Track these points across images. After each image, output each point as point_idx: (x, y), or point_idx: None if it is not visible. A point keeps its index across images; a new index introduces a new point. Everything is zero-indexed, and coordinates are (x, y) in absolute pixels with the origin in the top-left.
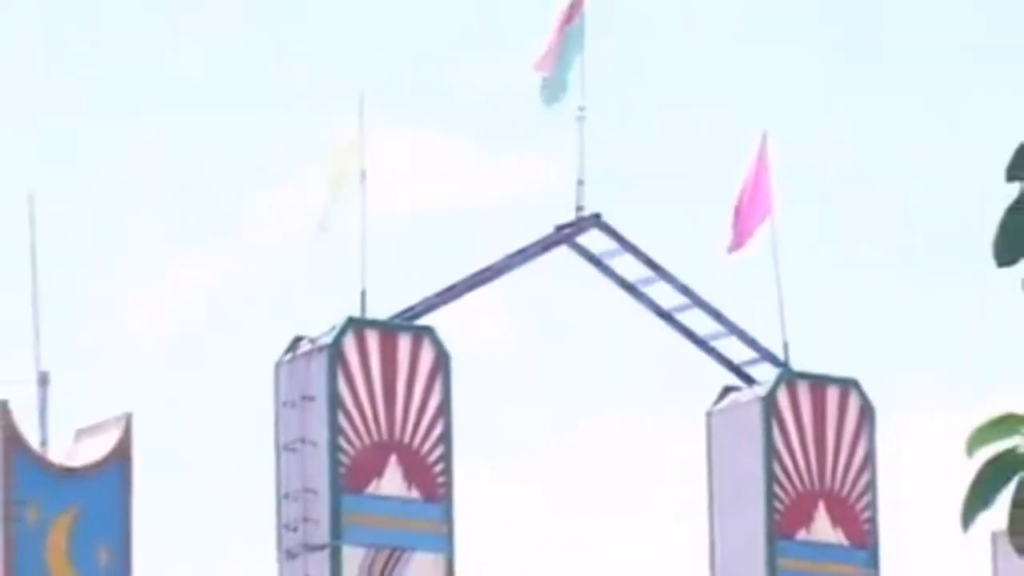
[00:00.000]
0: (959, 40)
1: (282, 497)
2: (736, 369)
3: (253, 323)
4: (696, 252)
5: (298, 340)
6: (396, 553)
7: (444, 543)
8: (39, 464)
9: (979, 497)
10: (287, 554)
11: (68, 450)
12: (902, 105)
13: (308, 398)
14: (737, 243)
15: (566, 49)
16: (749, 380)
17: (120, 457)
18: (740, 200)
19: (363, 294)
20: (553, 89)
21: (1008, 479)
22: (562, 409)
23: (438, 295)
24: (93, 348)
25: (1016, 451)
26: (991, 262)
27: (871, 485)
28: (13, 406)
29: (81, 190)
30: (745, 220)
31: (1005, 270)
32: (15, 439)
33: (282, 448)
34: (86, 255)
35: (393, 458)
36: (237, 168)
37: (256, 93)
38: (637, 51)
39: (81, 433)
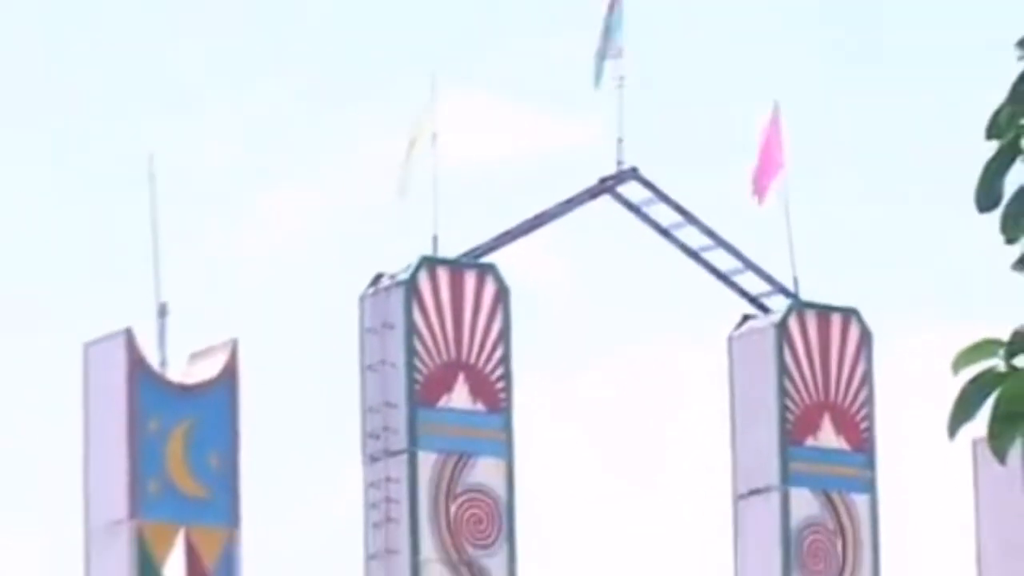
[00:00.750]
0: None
1: (366, 410)
2: (753, 300)
3: (341, 261)
4: (719, 200)
5: (379, 276)
6: (463, 458)
7: (504, 449)
8: (159, 383)
9: (963, 410)
10: (370, 458)
11: (184, 370)
12: (896, 80)
13: (388, 326)
14: (760, 196)
15: (615, 20)
16: (764, 309)
17: (228, 376)
18: (758, 161)
19: (435, 237)
20: (599, 69)
21: (987, 395)
22: (604, 334)
23: (499, 237)
24: (204, 283)
25: (994, 371)
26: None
27: (868, 399)
28: (137, 333)
29: (197, 139)
30: (763, 176)
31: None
32: (139, 361)
33: (366, 368)
34: (199, 204)
35: (461, 376)
36: (333, 124)
37: (346, 61)
38: (669, 30)
39: (195, 356)
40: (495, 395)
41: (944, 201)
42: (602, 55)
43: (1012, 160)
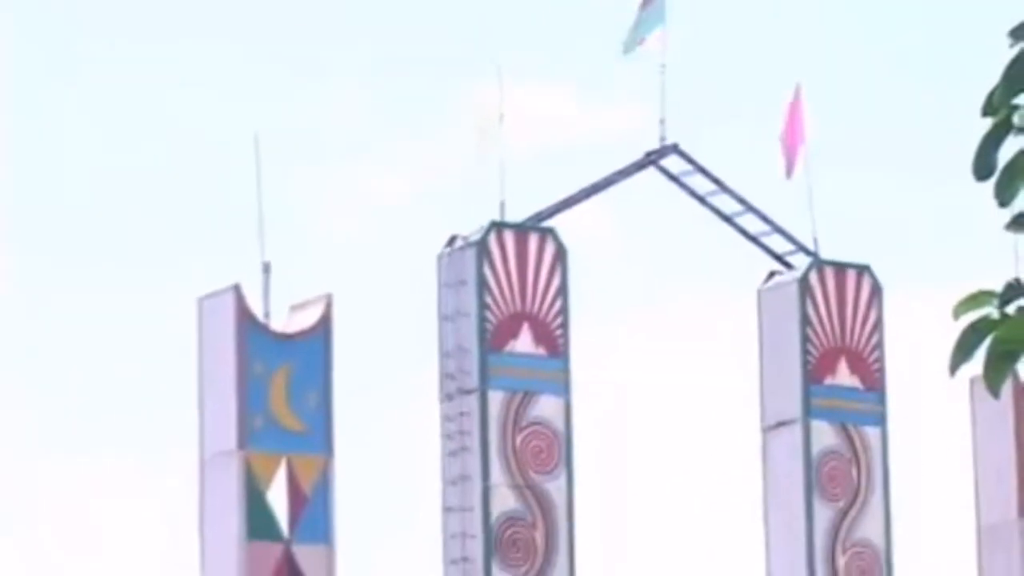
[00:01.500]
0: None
1: (443, 355)
2: (779, 258)
3: (422, 226)
4: (749, 171)
5: (454, 238)
6: (527, 396)
7: (563, 388)
8: (263, 332)
9: (961, 352)
10: (447, 396)
11: (284, 321)
12: (909, 60)
13: (462, 281)
14: (789, 169)
15: (646, 15)
16: (788, 266)
17: (323, 326)
18: (783, 136)
19: (502, 204)
20: (629, 43)
21: (983, 339)
22: (649, 288)
23: (558, 204)
24: (303, 244)
25: (988, 318)
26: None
27: (879, 344)
28: (244, 289)
29: (297, 118)
30: (789, 154)
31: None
32: (245, 313)
33: (443, 318)
34: (299, 174)
35: (525, 325)
36: (419, 107)
37: (426, 52)
38: (705, 22)
39: (294, 308)
40: (555, 341)
41: (948, 170)
42: (630, 45)
43: (1004, 135)
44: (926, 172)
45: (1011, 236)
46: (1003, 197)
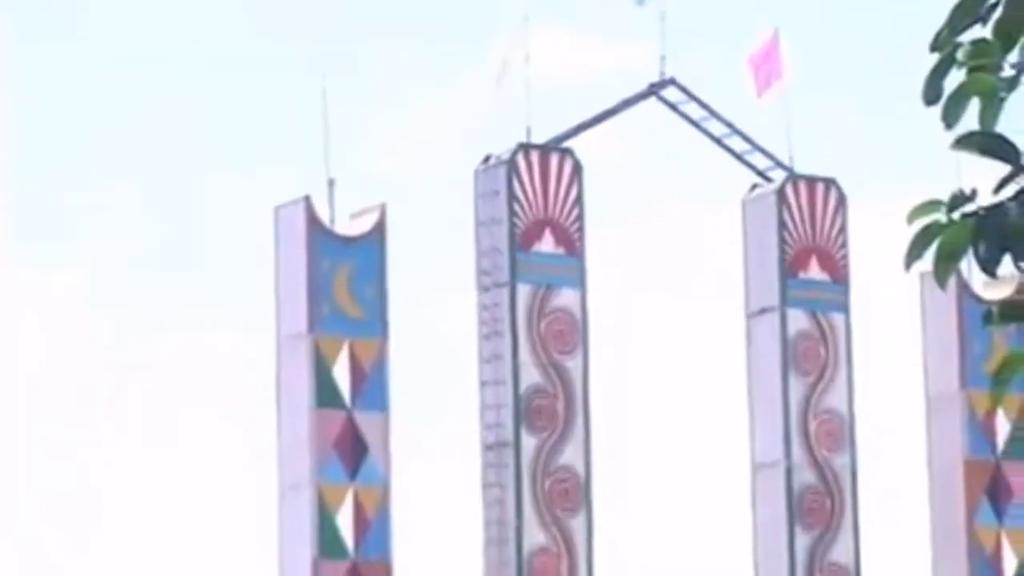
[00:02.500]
0: None
1: (479, 254)
2: (760, 173)
3: (460, 147)
4: (735, 99)
5: (488, 157)
6: (550, 288)
7: (580, 282)
8: (329, 235)
9: (914, 251)
10: (483, 289)
11: (347, 226)
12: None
13: (495, 192)
14: (760, 90)
15: None
16: (768, 180)
17: (379, 230)
18: (753, 60)
19: (528, 128)
20: None
21: (932, 240)
22: (651, 198)
23: (575, 128)
24: (361, 161)
25: (937, 223)
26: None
27: (844, 244)
28: (313, 199)
29: (359, 62)
30: (762, 77)
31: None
32: (314, 219)
33: (478, 224)
34: (362, 104)
35: (547, 229)
36: (461, 50)
37: (464, 6)
38: None
39: (354, 215)
40: (573, 242)
41: (904, 97)
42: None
43: (948, 68)
44: (885, 99)
45: (956, 153)
46: (948, 121)
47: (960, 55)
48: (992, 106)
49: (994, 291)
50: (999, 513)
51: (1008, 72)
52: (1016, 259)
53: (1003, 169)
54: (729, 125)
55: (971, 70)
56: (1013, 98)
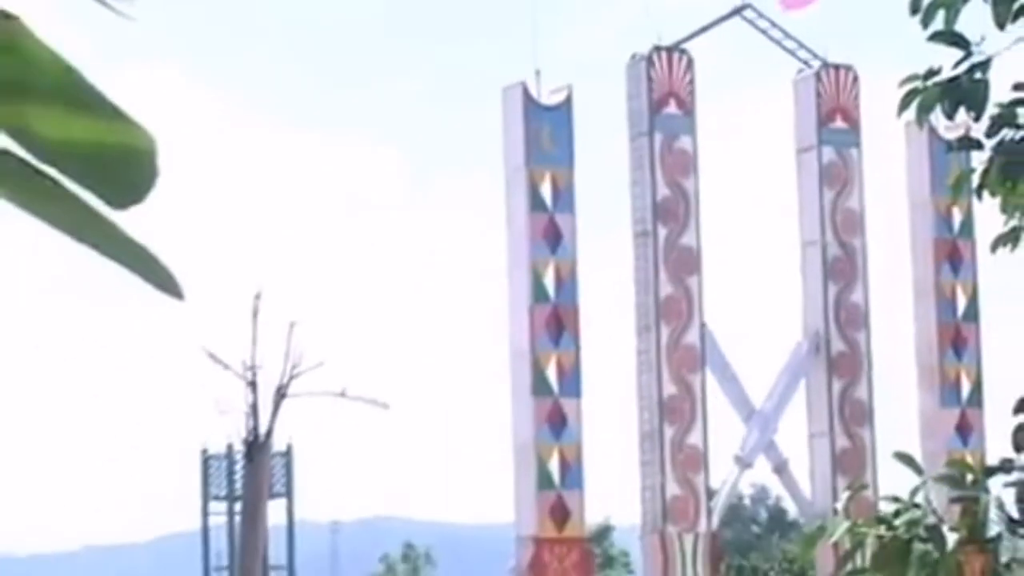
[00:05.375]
0: None
1: (630, 114)
2: (804, 62)
3: (618, 45)
4: (786, 18)
5: (634, 54)
6: (673, 136)
7: (691, 132)
8: (536, 104)
9: (903, 105)
10: (631, 137)
11: (547, 98)
12: None
13: (638, 77)
14: (787, 6)
15: None
16: (809, 66)
17: (567, 101)
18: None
19: (659, 34)
20: None
21: (914, 98)
22: (736, 79)
23: (688, 35)
24: (561, 57)
25: (917, 88)
26: None
27: (857, 105)
28: (528, 84)
29: None
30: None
31: None
32: (530, 98)
33: (629, 96)
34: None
35: (671, 98)
36: None
37: None
38: None
39: (551, 91)
40: (688, 107)
41: (897, 9)
42: None
43: None
44: (885, 9)
45: (934, 45)
46: (925, 22)
47: None
48: (952, 13)
49: (952, 132)
50: (956, 269)
51: None
52: (967, 109)
53: (958, 53)
54: (784, 32)
55: None
56: (966, 8)
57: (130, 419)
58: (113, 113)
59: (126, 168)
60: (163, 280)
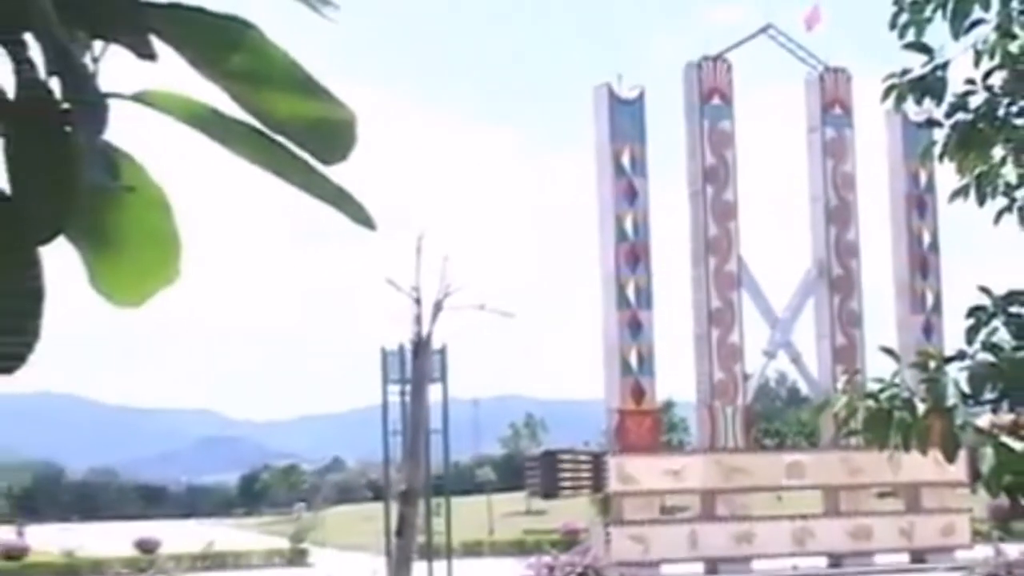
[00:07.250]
0: None
1: (686, 103)
2: (811, 66)
3: (674, 54)
4: (801, 34)
5: (689, 62)
6: (717, 120)
7: (730, 118)
8: (620, 98)
9: (886, 95)
10: (688, 120)
11: (626, 92)
12: None
13: (691, 79)
14: (808, 26)
15: None
16: (815, 68)
17: (640, 96)
18: (808, 17)
19: (706, 41)
20: None
21: (893, 90)
22: (762, 80)
23: (726, 48)
24: (632, 61)
25: (895, 84)
26: None
27: (850, 97)
28: (612, 84)
29: None
30: (811, 23)
31: None
32: (612, 92)
33: (686, 91)
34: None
35: (715, 93)
36: None
37: None
38: None
39: (629, 88)
40: (727, 98)
41: (880, 25)
42: None
43: (901, 12)
44: (871, 25)
45: (907, 52)
46: (900, 35)
47: (906, 8)
48: (920, 29)
49: (921, 115)
50: (922, 215)
51: (928, 14)
52: (931, 98)
53: (924, 58)
54: (798, 44)
55: (912, 11)
56: (930, 25)
57: (333, 327)
58: (324, 95)
59: (333, 135)
60: (360, 215)
